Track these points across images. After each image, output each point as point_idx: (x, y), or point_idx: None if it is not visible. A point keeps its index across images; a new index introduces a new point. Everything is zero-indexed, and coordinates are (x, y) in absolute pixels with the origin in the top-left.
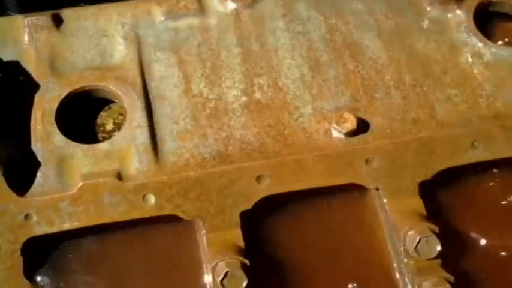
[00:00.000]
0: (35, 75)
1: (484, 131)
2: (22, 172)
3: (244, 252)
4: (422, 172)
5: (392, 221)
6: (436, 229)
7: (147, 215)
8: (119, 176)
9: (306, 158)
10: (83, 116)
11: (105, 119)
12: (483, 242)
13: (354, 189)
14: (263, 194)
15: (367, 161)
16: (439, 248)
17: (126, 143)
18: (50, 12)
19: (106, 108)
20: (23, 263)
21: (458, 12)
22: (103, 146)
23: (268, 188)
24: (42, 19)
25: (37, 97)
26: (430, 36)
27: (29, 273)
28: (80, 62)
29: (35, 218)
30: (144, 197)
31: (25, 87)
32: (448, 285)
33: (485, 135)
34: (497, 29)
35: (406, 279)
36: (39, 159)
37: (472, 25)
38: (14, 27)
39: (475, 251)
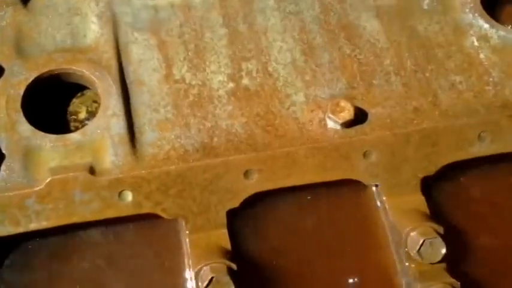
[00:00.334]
0: None
1: (491, 122)
2: None
3: (230, 255)
4: (424, 167)
5: (392, 220)
6: (441, 230)
7: (123, 213)
8: (92, 170)
9: (298, 151)
10: (52, 103)
11: (78, 107)
12: (491, 243)
13: (351, 186)
14: (252, 191)
15: (365, 155)
16: (444, 251)
17: (100, 134)
18: None
19: (79, 94)
20: None
21: None
22: (74, 136)
23: (257, 184)
24: None
25: (1, 82)
26: (432, 17)
27: None
28: (49, 43)
29: None
30: (120, 194)
31: None
32: None
33: (492, 127)
34: (505, 11)
35: (406, 285)
36: (3, 151)
37: (479, 5)
38: None
39: (482, 254)
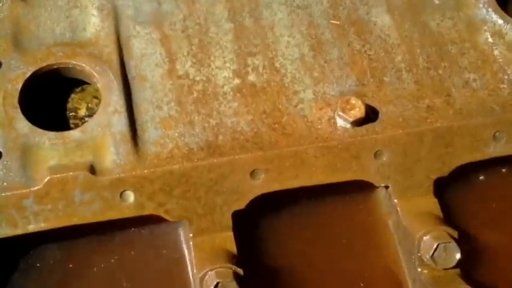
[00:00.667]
0: None
1: (507, 121)
2: None
3: (236, 259)
4: (438, 168)
5: (404, 223)
6: (455, 234)
7: (125, 215)
8: (93, 170)
9: (307, 150)
10: (51, 99)
11: (78, 103)
12: (507, 247)
13: (361, 187)
14: (258, 192)
15: (376, 155)
16: (458, 256)
17: (100, 131)
18: None
19: (78, 90)
20: None
21: None
22: (74, 134)
23: (263, 184)
24: None
25: None
26: (445, 13)
27: None
28: (48, 36)
29: None
30: (121, 194)
31: None
32: None
33: (508, 126)
34: None
35: None
36: (0, 149)
37: (493, 0)
38: None
39: (497, 259)
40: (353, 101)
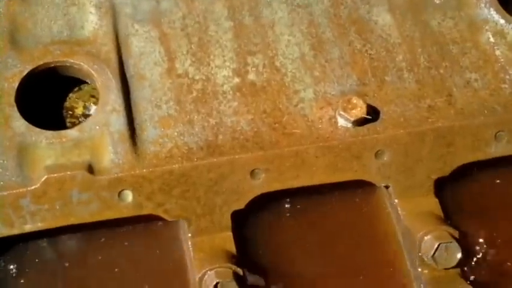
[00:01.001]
0: None
1: (509, 121)
2: None
3: (236, 259)
4: (439, 168)
5: (405, 223)
6: (456, 234)
7: (123, 215)
8: (90, 169)
9: (307, 150)
10: (48, 98)
11: (75, 102)
12: (506, 247)
13: (362, 187)
14: (258, 192)
15: (377, 155)
16: (459, 255)
17: (98, 130)
18: None
19: (76, 89)
20: None
21: None
22: (71, 133)
23: (263, 184)
24: None
25: None
26: (446, 12)
27: None
28: (45, 34)
29: None
30: (120, 194)
31: None
32: None
33: (510, 126)
34: None
35: None
36: None
37: (494, 0)
38: None
39: (498, 259)
40: (354, 100)
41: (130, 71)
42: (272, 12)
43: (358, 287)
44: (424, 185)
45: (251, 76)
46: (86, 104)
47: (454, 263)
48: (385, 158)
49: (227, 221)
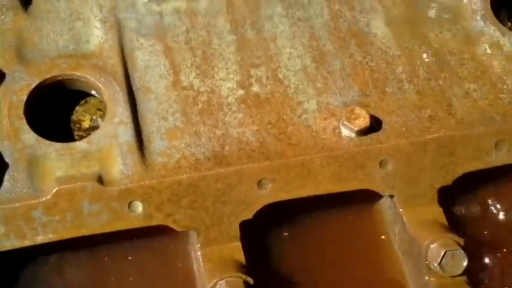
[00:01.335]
0: None
1: (508, 131)
2: None
3: (246, 269)
4: (441, 177)
5: (410, 232)
6: (461, 242)
7: (133, 225)
8: (100, 180)
9: (313, 160)
10: (54, 111)
11: (81, 115)
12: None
13: (366, 196)
14: (265, 201)
15: (381, 164)
16: (465, 263)
17: (107, 142)
18: None
19: (82, 102)
20: None
21: None
22: (80, 145)
23: (271, 194)
24: None
25: (2, 88)
26: (443, 25)
27: None
28: (51, 48)
29: (2, 229)
30: (129, 205)
31: None
32: None
33: (509, 135)
34: None
35: None
36: (6, 160)
37: (490, 13)
38: None
39: (502, 266)
40: (358, 110)
41: (136, 84)
42: (273, 26)
43: None
44: (428, 194)
45: (255, 88)
46: (93, 117)
47: (460, 271)
48: (389, 168)
49: (235, 231)
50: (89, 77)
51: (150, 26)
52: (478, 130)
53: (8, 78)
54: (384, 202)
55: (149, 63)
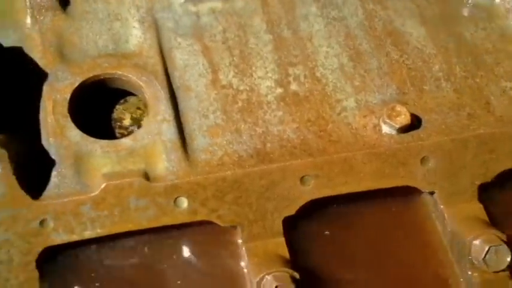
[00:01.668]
0: (41, 62)
1: None
2: (31, 171)
3: (290, 264)
4: (482, 173)
5: (452, 228)
6: (504, 237)
7: (179, 221)
8: (146, 177)
9: (355, 157)
10: (95, 109)
11: (122, 113)
12: None
13: (407, 193)
14: (308, 198)
15: (422, 161)
16: (509, 258)
17: (151, 139)
18: None
19: (122, 101)
20: (38, 277)
21: None
22: (125, 142)
23: (314, 190)
24: None
25: (46, 87)
26: (477, 24)
27: None
28: (91, 48)
29: (52, 224)
30: (175, 200)
31: (29, 76)
32: None
33: None
34: None
35: None
36: (53, 157)
37: None
38: (14, 8)
39: None
40: (398, 108)
41: (176, 83)
42: (309, 26)
43: None
44: (468, 191)
45: (293, 86)
46: (133, 115)
47: (504, 266)
48: (430, 164)
49: (278, 226)
50: (130, 76)
51: (187, 26)
52: None
53: (50, 78)
54: (425, 198)
55: (188, 63)
